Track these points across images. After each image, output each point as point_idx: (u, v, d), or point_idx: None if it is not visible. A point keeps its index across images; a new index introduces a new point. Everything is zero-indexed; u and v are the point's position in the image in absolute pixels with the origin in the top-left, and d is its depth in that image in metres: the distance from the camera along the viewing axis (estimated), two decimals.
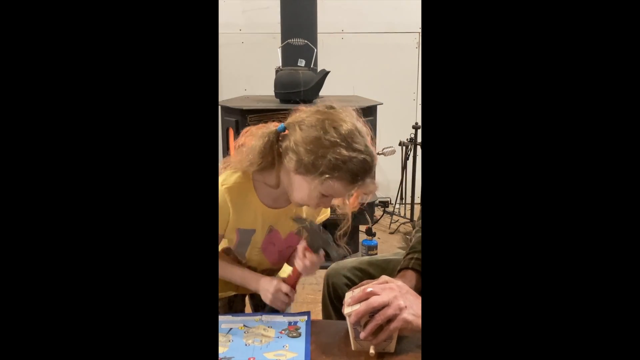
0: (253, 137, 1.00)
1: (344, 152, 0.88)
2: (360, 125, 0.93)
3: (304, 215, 1.08)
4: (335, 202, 1.02)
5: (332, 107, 0.95)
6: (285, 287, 1.01)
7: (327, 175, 0.89)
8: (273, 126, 0.97)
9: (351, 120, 0.92)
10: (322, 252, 1.00)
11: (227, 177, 1.02)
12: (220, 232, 1.05)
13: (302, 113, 0.96)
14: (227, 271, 1.09)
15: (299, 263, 1.00)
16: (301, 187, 0.94)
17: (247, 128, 1.03)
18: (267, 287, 1.02)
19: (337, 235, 1.03)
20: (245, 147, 1.01)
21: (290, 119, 0.96)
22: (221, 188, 1.00)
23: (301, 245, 1.01)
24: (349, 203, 1.02)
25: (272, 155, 0.96)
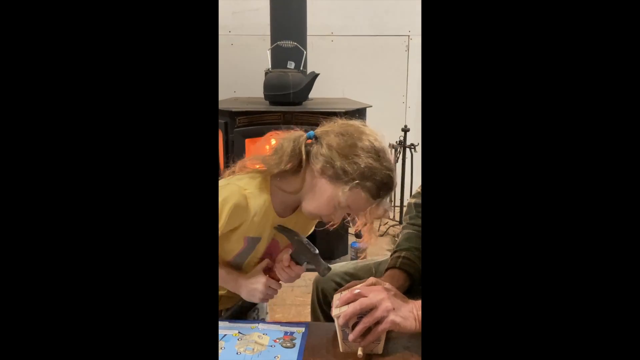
0: (277, 141, 1.00)
1: (374, 163, 0.91)
2: (386, 145, 0.97)
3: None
4: (360, 224, 1.02)
5: (364, 124, 0.98)
6: (274, 284, 1.01)
7: (357, 182, 0.90)
8: (301, 132, 0.99)
9: (380, 138, 0.96)
10: (305, 264, 1.00)
11: (248, 183, 0.99)
12: (223, 231, 0.96)
13: (333, 123, 0.98)
14: None
15: (282, 273, 1.00)
16: (323, 193, 0.94)
17: (270, 133, 1.03)
18: (255, 286, 1.00)
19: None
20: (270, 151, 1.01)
21: (320, 128, 0.98)
22: (245, 192, 0.96)
23: (286, 256, 1.00)
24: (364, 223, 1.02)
25: (299, 158, 0.95)
